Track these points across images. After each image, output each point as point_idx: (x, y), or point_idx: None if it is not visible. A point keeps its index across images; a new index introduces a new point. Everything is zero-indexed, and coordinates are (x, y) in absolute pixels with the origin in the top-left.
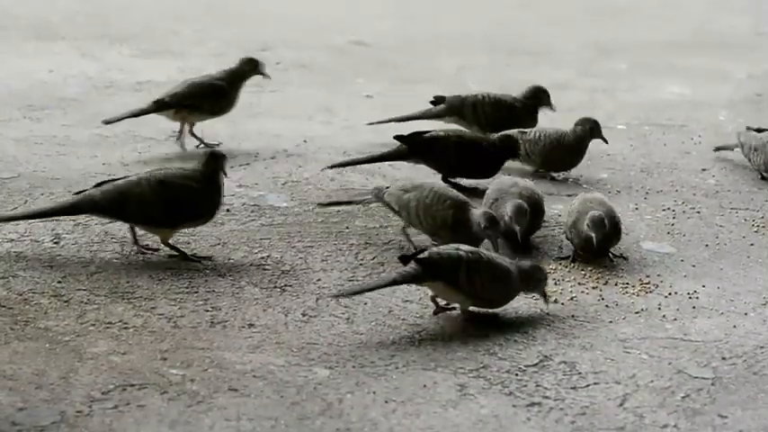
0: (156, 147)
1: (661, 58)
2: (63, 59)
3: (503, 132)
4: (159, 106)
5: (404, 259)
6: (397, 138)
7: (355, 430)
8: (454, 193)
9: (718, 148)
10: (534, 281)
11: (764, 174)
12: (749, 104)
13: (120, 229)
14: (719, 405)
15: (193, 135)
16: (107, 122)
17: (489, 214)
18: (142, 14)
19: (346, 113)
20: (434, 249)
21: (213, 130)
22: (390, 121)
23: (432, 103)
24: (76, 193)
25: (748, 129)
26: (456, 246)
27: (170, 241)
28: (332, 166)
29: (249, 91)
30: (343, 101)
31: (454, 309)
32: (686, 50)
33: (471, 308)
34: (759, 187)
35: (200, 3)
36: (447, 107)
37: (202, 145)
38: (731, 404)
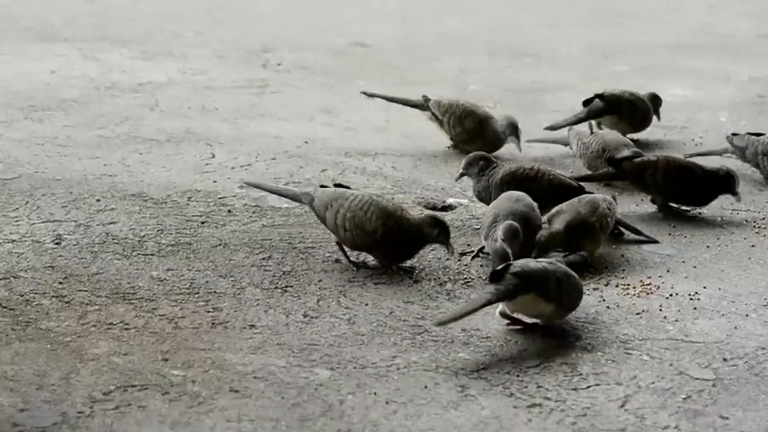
0: (158, 148)
1: (662, 60)
2: (64, 61)
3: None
4: (420, 104)
5: (495, 276)
6: (608, 161)
7: (356, 431)
8: (512, 204)
9: (695, 155)
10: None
11: None
12: (751, 106)
13: (122, 229)
14: (721, 406)
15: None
16: (364, 93)
17: (509, 226)
18: (143, 16)
19: (347, 115)
20: (517, 264)
21: (213, 131)
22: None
23: (585, 102)
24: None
25: (734, 134)
26: (530, 259)
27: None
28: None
29: (250, 92)
30: (344, 102)
31: (526, 324)
32: (688, 52)
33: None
34: (760, 189)
35: (201, 4)
36: (606, 106)
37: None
38: (732, 405)
